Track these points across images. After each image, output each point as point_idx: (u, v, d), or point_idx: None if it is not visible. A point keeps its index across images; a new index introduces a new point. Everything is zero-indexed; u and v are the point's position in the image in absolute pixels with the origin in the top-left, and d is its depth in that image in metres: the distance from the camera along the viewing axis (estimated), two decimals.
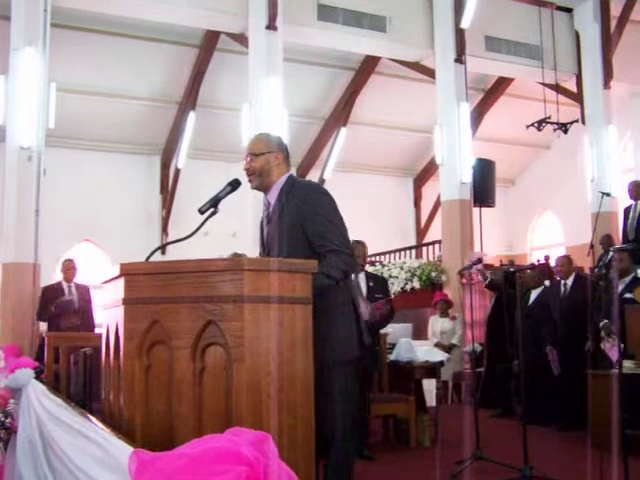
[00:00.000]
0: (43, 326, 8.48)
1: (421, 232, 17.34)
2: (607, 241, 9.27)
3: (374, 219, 15.28)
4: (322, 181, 15.17)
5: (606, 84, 12.77)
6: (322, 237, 3.06)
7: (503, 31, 12.50)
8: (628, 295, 6.54)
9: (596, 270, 8.29)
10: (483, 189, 11.40)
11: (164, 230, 14.91)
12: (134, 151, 14.78)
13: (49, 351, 5.75)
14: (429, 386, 7.34)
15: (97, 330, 7.43)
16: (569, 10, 13.18)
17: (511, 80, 14.65)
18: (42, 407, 2.94)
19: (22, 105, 8.71)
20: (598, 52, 12.79)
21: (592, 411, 5.77)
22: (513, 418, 7.28)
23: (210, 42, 12.79)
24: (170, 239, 14.17)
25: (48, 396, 3.02)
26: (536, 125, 11.81)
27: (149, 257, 3.04)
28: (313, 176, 15.35)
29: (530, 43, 12.50)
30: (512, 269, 7.73)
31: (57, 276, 11.64)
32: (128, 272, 2.65)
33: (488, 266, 10.74)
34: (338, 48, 12.44)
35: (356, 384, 3.22)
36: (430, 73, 12.24)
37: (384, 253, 14.38)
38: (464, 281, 9.49)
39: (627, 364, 5.59)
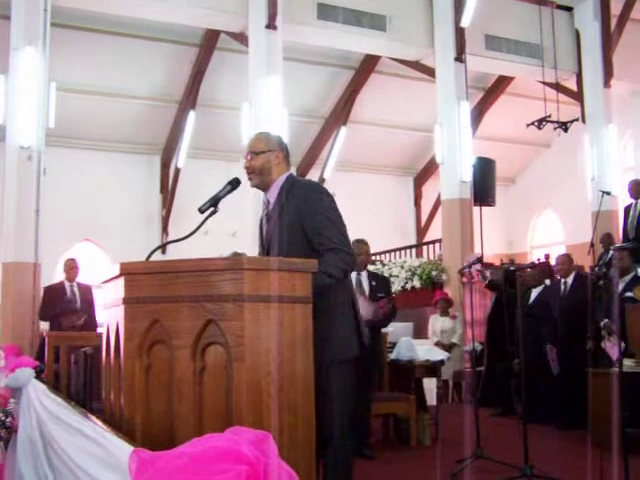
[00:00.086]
0: (43, 325, 8.48)
1: (421, 231, 17.34)
2: (607, 240, 9.27)
3: (374, 218, 15.27)
4: (322, 180, 15.17)
5: (606, 83, 12.77)
6: (321, 235, 3.06)
7: (503, 30, 12.49)
8: (628, 294, 6.54)
9: (596, 269, 8.29)
10: (483, 188, 11.40)
11: (164, 229, 14.91)
12: (134, 150, 14.78)
13: (49, 350, 5.75)
14: (429, 385, 7.35)
15: (99, 330, 7.43)
16: (569, 9, 13.17)
17: (511, 79, 14.65)
18: (42, 406, 2.94)
19: (22, 104, 8.71)
20: (598, 51, 12.79)
21: (592, 410, 5.77)
22: (513, 417, 7.28)
23: (210, 41, 12.79)
24: (170, 238, 14.17)
25: (48, 395, 3.02)
26: (536, 124, 11.81)
27: (149, 256, 3.04)
28: (313, 175, 15.35)
29: (530, 42, 12.49)
30: (512, 268, 7.72)
31: (57, 275, 11.65)
32: (128, 271, 2.65)
33: (488, 265, 10.75)
34: (338, 47, 12.44)
35: (354, 384, 3.22)
36: (430, 72, 12.23)
37: (384, 252, 14.38)
38: (464, 280, 9.49)
39: (627, 363, 5.60)
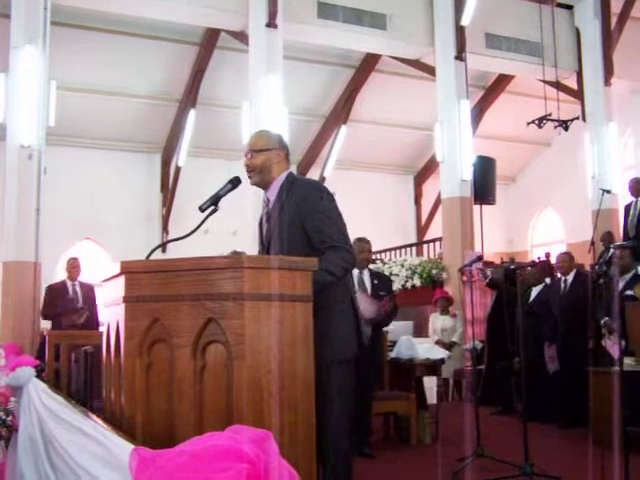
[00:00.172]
0: (44, 324, 8.48)
1: (422, 230, 17.34)
2: (608, 238, 9.26)
3: (375, 217, 15.28)
4: (322, 179, 15.17)
5: (607, 81, 12.76)
6: (322, 233, 3.06)
7: (503, 28, 12.49)
8: (629, 292, 6.54)
9: (597, 267, 8.29)
10: (484, 186, 11.40)
11: (164, 228, 14.91)
12: (134, 149, 14.78)
13: (50, 349, 5.75)
14: (430, 384, 7.35)
15: (101, 329, 7.42)
16: (569, 7, 13.17)
17: (512, 77, 14.64)
18: (43, 405, 2.94)
19: (22, 103, 8.70)
20: (599, 49, 12.78)
21: (593, 408, 5.78)
22: (514, 415, 7.28)
23: (210, 40, 12.78)
24: (170, 237, 14.17)
25: (49, 394, 3.02)
26: (537, 122, 11.80)
27: (149, 255, 3.04)
28: (313, 174, 15.35)
29: (530, 40, 12.49)
30: (513, 266, 7.72)
31: (58, 275, 11.67)
32: (128, 270, 2.64)
33: (488, 264, 10.75)
34: (338, 46, 12.43)
35: (354, 383, 3.22)
36: (430, 70, 12.23)
37: (385, 251, 14.39)
38: (465, 279, 9.49)
39: (628, 361, 5.60)
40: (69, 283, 8.11)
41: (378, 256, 13.89)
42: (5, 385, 3.47)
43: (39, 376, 3.44)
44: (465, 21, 11.67)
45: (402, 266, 12.46)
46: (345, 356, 3.09)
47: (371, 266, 6.33)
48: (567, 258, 7.43)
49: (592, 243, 9.10)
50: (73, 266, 8.16)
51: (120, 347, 2.71)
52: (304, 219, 3.08)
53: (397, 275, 12.23)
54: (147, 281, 2.60)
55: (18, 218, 8.63)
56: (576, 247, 11.49)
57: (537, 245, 17.42)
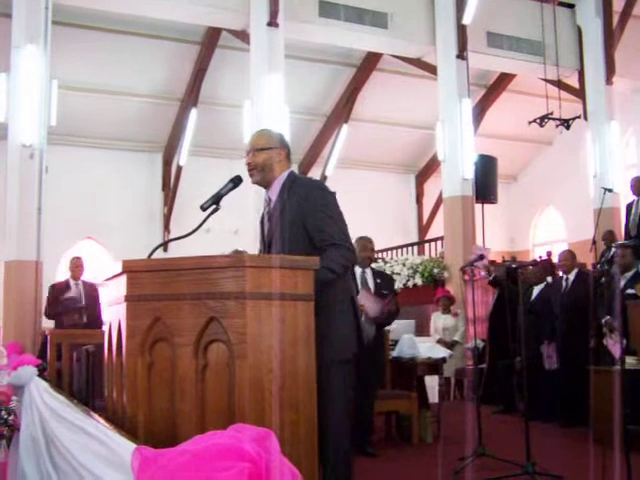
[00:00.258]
0: (46, 323, 8.49)
1: (423, 229, 17.33)
2: (609, 237, 9.26)
3: (376, 216, 15.27)
4: (324, 178, 15.17)
5: (608, 80, 12.75)
6: (323, 232, 3.06)
7: (505, 27, 12.48)
8: (630, 291, 6.54)
9: (598, 266, 8.28)
10: (485, 185, 11.38)
11: (166, 227, 14.91)
12: (136, 148, 14.79)
13: (52, 348, 5.76)
14: (431, 383, 7.35)
15: (104, 328, 7.42)
16: (571, 6, 13.16)
17: (513, 76, 14.63)
18: (45, 404, 2.94)
19: (24, 103, 8.71)
20: (600, 48, 12.77)
21: (594, 407, 5.78)
22: (515, 414, 7.29)
23: (211, 39, 12.78)
24: (172, 236, 14.17)
25: (51, 393, 3.02)
26: (538, 121, 11.80)
27: (151, 254, 3.04)
28: (315, 173, 15.35)
29: (532, 39, 12.48)
30: (514, 265, 7.72)
31: (60, 274, 11.69)
32: (130, 269, 2.65)
33: (490, 262, 10.74)
34: (339, 45, 12.43)
35: (353, 382, 3.22)
36: (432, 69, 12.22)
37: (386, 250, 14.38)
38: (466, 277, 9.48)
39: (629, 360, 5.59)
40: (72, 282, 8.12)
41: (380, 255, 13.88)
42: (7, 384, 3.47)
43: (41, 375, 3.44)
44: (466, 20, 11.66)
45: (404, 265, 12.46)
46: (345, 356, 3.09)
47: (373, 265, 6.34)
48: (569, 256, 7.43)
49: (594, 242, 9.10)
50: (76, 265, 8.17)
51: (122, 346, 2.72)
52: (305, 218, 3.08)
53: (399, 274, 12.23)
54: (149, 280, 2.60)
55: (20, 217, 8.64)
56: (578, 246, 11.48)
57: (539, 244, 17.41)
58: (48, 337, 6.09)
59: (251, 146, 3.24)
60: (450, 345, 9.25)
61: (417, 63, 12.71)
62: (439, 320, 9.98)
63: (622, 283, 6.59)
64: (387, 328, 6.41)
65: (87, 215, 13.76)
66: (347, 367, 3.13)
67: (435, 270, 11.81)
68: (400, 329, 7.15)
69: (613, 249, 8.17)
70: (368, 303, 5.70)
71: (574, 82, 13.24)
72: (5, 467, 3.25)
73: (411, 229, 17.36)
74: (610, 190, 10.27)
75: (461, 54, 11.70)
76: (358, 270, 5.95)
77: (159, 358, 2.60)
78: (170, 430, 2.52)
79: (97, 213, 13.93)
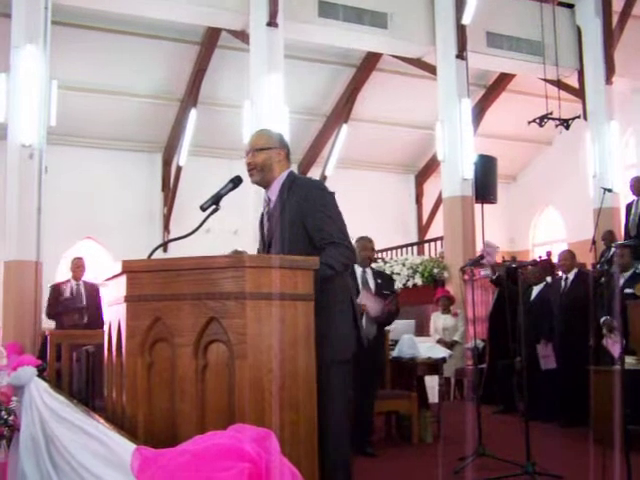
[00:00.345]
0: (46, 324, 8.49)
1: (423, 229, 17.33)
2: (609, 237, 9.26)
3: (376, 216, 15.26)
4: (323, 178, 15.17)
5: (608, 80, 12.75)
6: (322, 231, 3.06)
7: (504, 27, 12.48)
8: (628, 290, 6.55)
9: (598, 266, 8.29)
10: (485, 185, 11.30)
11: (166, 227, 14.91)
12: (136, 149, 14.78)
13: (51, 349, 5.75)
14: (431, 383, 7.35)
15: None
16: (570, 5, 13.16)
17: (513, 76, 14.63)
18: (44, 405, 2.94)
19: (23, 103, 8.71)
20: (600, 47, 12.77)
21: (594, 407, 5.78)
22: (515, 414, 7.29)
23: (211, 39, 12.78)
24: (172, 236, 14.17)
25: (50, 394, 3.02)
26: (538, 121, 11.79)
27: (151, 254, 3.04)
28: (314, 173, 15.34)
29: (531, 39, 12.48)
30: (514, 265, 7.72)
31: (59, 274, 11.69)
32: (130, 269, 2.65)
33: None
34: (339, 45, 12.44)
35: (352, 382, 3.22)
36: (431, 69, 12.23)
37: (386, 250, 14.38)
38: (466, 277, 9.48)
39: (629, 360, 5.60)
40: (73, 283, 8.11)
41: (379, 255, 13.88)
42: (7, 384, 3.47)
43: (40, 376, 3.44)
44: (466, 20, 11.66)
45: (403, 265, 12.45)
46: (345, 356, 3.09)
47: (373, 265, 6.34)
48: (569, 256, 7.44)
49: (593, 242, 9.09)
50: (77, 266, 8.16)
51: (122, 346, 2.72)
52: (305, 218, 3.08)
53: (398, 274, 12.23)
54: (148, 280, 2.60)
55: (19, 217, 8.63)
56: (577, 246, 11.47)
57: (538, 244, 17.41)
58: (48, 337, 6.08)
59: (251, 146, 3.24)
60: (450, 345, 9.25)
61: (417, 63, 12.71)
62: (439, 320, 9.98)
63: (621, 283, 6.59)
64: (387, 328, 6.41)
65: (87, 215, 13.75)
66: (347, 367, 3.13)
67: (435, 270, 11.81)
68: (400, 329, 7.16)
69: (613, 249, 8.17)
70: (369, 303, 5.71)
71: (574, 82, 13.24)
72: (5, 467, 3.25)
73: (411, 229, 17.36)
74: (610, 190, 10.26)
75: (461, 54, 11.70)
76: (359, 270, 5.96)
77: (159, 358, 2.60)
78: (170, 430, 2.52)
79: (97, 213, 13.93)
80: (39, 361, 3.86)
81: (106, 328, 3.06)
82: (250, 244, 8.31)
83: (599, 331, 6.49)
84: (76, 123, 13.07)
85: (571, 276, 7.30)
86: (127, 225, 14.16)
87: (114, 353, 2.86)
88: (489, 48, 12.36)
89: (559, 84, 12.43)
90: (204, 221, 3.11)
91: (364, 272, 6.02)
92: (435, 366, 6.69)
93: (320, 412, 2.66)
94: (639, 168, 14.39)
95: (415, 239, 16.51)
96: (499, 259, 11.88)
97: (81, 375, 4.66)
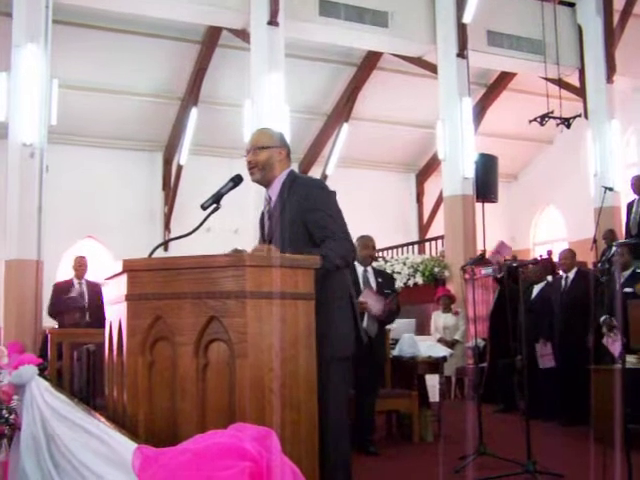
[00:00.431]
0: (47, 322, 8.48)
1: (424, 228, 17.32)
2: (610, 236, 9.25)
3: (376, 215, 15.25)
4: (324, 177, 15.16)
5: (609, 78, 12.74)
6: (323, 228, 3.07)
7: (505, 26, 12.47)
8: (628, 289, 6.54)
9: (599, 265, 8.28)
10: (486, 184, 11.38)
11: (166, 226, 14.91)
12: (136, 147, 14.78)
13: (52, 348, 5.75)
14: (432, 381, 7.35)
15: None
16: (571, 4, 13.15)
17: (513, 75, 14.62)
18: (45, 403, 2.94)
19: (24, 102, 8.70)
20: (601, 46, 12.75)
21: (595, 406, 5.78)
22: (516, 413, 7.29)
23: (212, 38, 12.77)
24: (172, 235, 14.17)
25: (52, 392, 3.02)
26: (539, 120, 11.79)
27: (152, 253, 3.04)
28: (315, 172, 15.33)
29: (532, 37, 12.46)
30: (515, 264, 7.72)
31: (60, 273, 11.69)
32: (131, 268, 2.65)
33: (490, 261, 10.73)
34: (340, 44, 12.42)
35: (352, 379, 3.22)
36: (432, 68, 12.22)
37: (387, 249, 14.38)
38: (467, 276, 9.48)
39: (630, 359, 5.59)
40: (76, 281, 8.10)
41: (380, 254, 13.87)
42: (8, 383, 3.47)
43: (42, 374, 3.44)
44: (467, 19, 11.65)
45: (404, 264, 12.45)
46: (344, 353, 3.09)
47: (373, 264, 6.34)
48: (569, 255, 7.44)
49: (594, 241, 9.09)
50: (80, 264, 8.15)
51: (122, 345, 2.72)
52: (306, 217, 3.08)
53: (399, 273, 12.23)
54: (149, 279, 2.60)
55: (20, 216, 8.63)
56: (578, 245, 11.47)
57: (539, 243, 17.40)
58: (49, 336, 6.08)
59: (252, 144, 3.25)
60: (451, 344, 9.25)
61: (417, 62, 12.70)
62: (440, 319, 9.98)
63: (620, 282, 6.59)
64: (388, 327, 6.42)
65: (87, 214, 13.75)
66: (346, 364, 3.13)
67: (436, 269, 11.81)
68: (401, 328, 7.16)
69: (614, 248, 8.16)
70: (371, 301, 5.71)
71: (575, 81, 13.23)
72: (6, 466, 3.25)
73: (411, 228, 17.35)
74: (611, 189, 10.27)
75: (461, 53, 11.69)
76: (360, 269, 5.96)
77: (160, 357, 2.60)
78: (171, 429, 2.52)
79: (97, 212, 13.93)
80: (40, 360, 3.86)
81: (107, 327, 3.06)
82: (251, 243, 8.29)
83: (599, 330, 6.49)
84: (77, 122, 13.06)
85: (571, 275, 7.31)
86: (128, 224, 14.15)
87: (115, 352, 2.87)
88: (490, 47, 12.35)
89: (560, 83, 12.42)
90: (205, 220, 3.11)
91: (365, 271, 6.03)
92: (436, 365, 6.69)
93: (320, 409, 2.66)
94: None
95: (416, 238, 16.50)
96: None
97: (82, 374, 4.66)
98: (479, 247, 11.27)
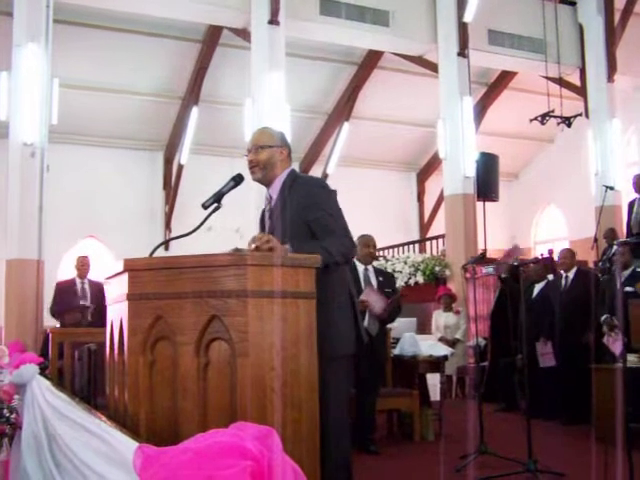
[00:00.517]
0: (48, 322, 8.48)
1: (424, 227, 17.32)
2: (611, 235, 9.24)
3: (377, 214, 15.26)
4: (325, 176, 15.16)
5: (610, 77, 12.73)
6: (323, 225, 3.07)
7: (506, 25, 12.47)
8: (628, 288, 6.54)
9: (600, 264, 8.28)
10: (486, 183, 11.38)
11: (167, 226, 14.91)
12: (137, 147, 14.78)
13: (53, 347, 5.75)
14: (433, 380, 7.35)
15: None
16: (572, 3, 13.15)
17: (514, 74, 14.61)
18: (46, 403, 2.94)
19: (25, 101, 8.70)
20: (602, 45, 12.75)
21: (596, 405, 5.77)
22: (517, 412, 7.29)
23: (213, 37, 12.78)
24: (173, 235, 14.18)
25: (52, 392, 3.02)
26: (539, 119, 11.78)
27: (152, 253, 3.04)
28: (316, 171, 15.33)
29: (533, 36, 12.46)
30: (516, 263, 7.72)
31: (61, 272, 11.69)
32: (131, 268, 2.65)
33: (492, 260, 10.74)
34: (341, 43, 12.43)
35: (352, 378, 3.22)
36: (433, 67, 12.22)
37: (388, 248, 14.38)
38: (468, 275, 9.48)
39: (631, 358, 5.59)
40: (78, 281, 8.10)
41: (381, 253, 13.88)
42: (9, 383, 3.48)
43: (42, 374, 3.44)
44: (468, 17, 11.65)
45: (405, 263, 12.45)
46: (344, 352, 3.09)
47: (374, 263, 6.34)
48: (568, 255, 7.44)
49: (595, 240, 9.09)
50: (83, 264, 8.15)
51: (124, 344, 2.72)
52: (306, 216, 3.09)
53: (400, 272, 12.23)
54: (150, 278, 2.60)
55: (21, 216, 8.63)
56: (579, 244, 11.48)
57: (540, 242, 17.39)
58: (50, 335, 6.08)
59: (253, 144, 3.25)
60: (452, 343, 9.25)
61: (418, 61, 12.70)
62: (441, 318, 9.98)
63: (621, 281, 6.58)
64: (389, 326, 6.42)
65: (88, 214, 13.76)
66: (346, 363, 3.13)
67: (436, 268, 11.81)
68: (402, 327, 7.16)
69: (615, 247, 8.16)
70: (372, 300, 5.72)
71: (575, 80, 13.23)
72: (7, 465, 3.25)
73: (412, 227, 17.35)
74: (612, 188, 10.26)
75: (462, 52, 11.69)
76: (360, 268, 5.96)
77: (161, 356, 2.60)
78: (172, 428, 2.52)
79: (98, 212, 13.93)
80: (41, 359, 3.87)
81: (108, 326, 3.06)
82: None
83: (599, 329, 6.49)
84: (78, 121, 13.06)
85: (571, 275, 7.31)
86: (129, 223, 14.16)
87: (116, 351, 2.87)
88: (491, 46, 12.35)
89: (561, 82, 12.41)
90: (206, 219, 3.11)
91: (366, 270, 6.03)
92: (437, 364, 6.69)
93: (320, 409, 2.66)
94: None
95: (417, 237, 16.50)
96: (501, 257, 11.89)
97: (83, 373, 4.66)
98: (480, 246, 11.26)
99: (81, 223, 13.67)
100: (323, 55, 13.80)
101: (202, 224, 3.12)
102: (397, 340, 6.85)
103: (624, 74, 12.95)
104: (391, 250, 14.43)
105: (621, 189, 12.16)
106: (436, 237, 14.05)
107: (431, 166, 16.90)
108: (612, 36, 12.72)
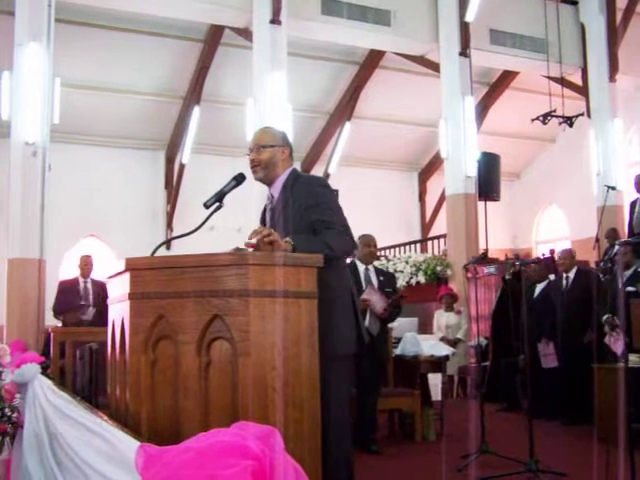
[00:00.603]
0: (49, 321, 8.48)
1: (426, 226, 17.32)
2: (613, 235, 9.24)
3: (379, 213, 15.26)
4: (327, 175, 15.14)
5: (612, 77, 12.72)
6: (324, 222, 3.07)
7: (508, 24, 12.46)
8: (630, 288, 6.53)
9: (601, 264, 8.27)
10: (488, 183, 11.36)
11: (169, 225, 14.91)
12: (139, 146, 14.78)
13: (55, 346, 5.76)
14: (434, 380, 7.35)
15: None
16: (574, 3, 13.13)
17: (516, 73, 14.60)
18: (48, 402, 2.94)
19: (27, 101, 8.71)
20: (604, 45, 12.74)
21: (598, 405, 5.76)
22: (519, 412, 7.28)
23: (214, 37, 12.77)
24: (175, 234, 14.18)
25: (54, 391, 3.02)
26: (541, 118, 11.77)
27: (154, 252, 3.04)
28: (318, 171, 15.33)
29: (535, 36, 12.45)
30: (517, 263, 7.71)
31: (62, 271, 11.70)
32: (133, 267, 2.65)
33: (493, 260, 10.74)
34: (342, 42, 12.42)
35: (353, 377, 3.22)
36: (435, 67, 12.21)
37: (389, 247, 14.37)
38: (469, 275, 9.47)
39: (632, 358, 5.58)
40: (81, 280, 8.10)
41: (382, 253, 13.87)
42: (10, 382, 3.48)
43: (44, 373, 3.44)
44: (469, 17, 11.64)
45: (407, 263, 12.45)
46: (345, 351, 3.09)
47: (375, 263, 6.34)
48: (568, 255, 7.44)
49: (597, 240, 9.08)
50: (86, 263, 8.15)
51: (125, 344, 2.72)
52: (307, 215, 3.09)
53: (402, 272, 12.23)
54: (152, 278, 2.60)
55: (23, 215, 8.64)
56: (581, 244, 11.47)
57: (542, 242, 17.38)
58: (51, 335, 6.08)
59: (255, 143, 3.25)
60: (453, 343, 9.24)
61: (420, 61, 12.69)
62: (442, 318, 9.98)
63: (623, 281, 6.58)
64: (390, 325, 6.42)
65: (90, 213, 13.76)
66: (348, 362, 3.13)
67: (438, 268, 11.81)
68: (403, 327, 7.16)
69: (616, 247, 8.15)
70: (374, 299, 5.71)
71: (577, 79, 13.21)
72: (9, 464, 3.25)
73: (414, 227, 17.35)
74: (613, 188, 10.25)
75: (464, 52, 11.68)
76: (361, 267, 5.96)
77: (162, 356, 2.60)
78: (173, 427, 2.52)
79: (100, 211, 13.93)
80: (42, 358, 3.87)
81: (109, 325, 3.06)
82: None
83: (600, 329, 6.49)
84: (79, 121, 13.07)
85: (571, 275, 7.31)
86: (130, 223, 14.16)
87: (117, 350, 2.87)
88: (492, 45, 12.34)
89: (563, 82, 12.40)
90: (207, 218, 3.11)
91: (367, 269, 6.03)
92: (438, 364, 6.69)
93: (322, 408, 2.66)
94: None
95: (418, 237, 16.49)
96: (503, 257, 11.89)
97: (84, 372, 4.67)
98: (481, 246, 11.25)
99: (83, 222, 13.67)
100: (325, 55, 13.79)
101: (204, 223, 3.12)
102: (399, 340, 6.85)
103: (626, 74, 12.94)
104: (393, 250, 14.43)
105: (623, 189, 12.15)
106: (437, 237, 14.04)
107: (433, 166, 16.89)
108: (614, 36, 12.71)
